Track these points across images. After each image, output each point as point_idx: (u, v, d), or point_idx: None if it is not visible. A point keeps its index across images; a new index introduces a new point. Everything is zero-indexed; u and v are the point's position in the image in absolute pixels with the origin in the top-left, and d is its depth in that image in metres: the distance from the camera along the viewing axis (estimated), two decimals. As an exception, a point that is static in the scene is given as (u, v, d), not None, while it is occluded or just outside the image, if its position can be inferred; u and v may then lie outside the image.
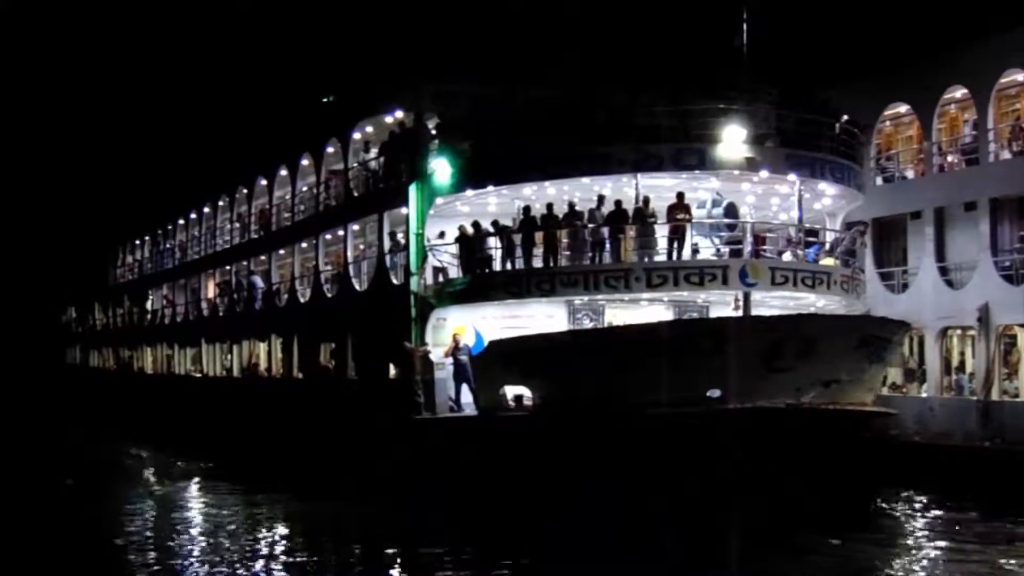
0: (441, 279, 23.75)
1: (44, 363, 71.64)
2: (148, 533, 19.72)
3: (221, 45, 56.14)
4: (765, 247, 22.68)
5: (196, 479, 27.31)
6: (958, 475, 21.85)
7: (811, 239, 23.56)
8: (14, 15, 69.44)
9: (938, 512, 20.69)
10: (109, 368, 56.44)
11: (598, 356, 19.82)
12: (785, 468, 18.38)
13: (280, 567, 16.71)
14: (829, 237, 24.22)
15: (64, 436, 38.81)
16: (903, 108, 26.98)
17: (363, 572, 16.70)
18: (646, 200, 21.56)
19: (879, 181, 27.33)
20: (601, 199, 22.34)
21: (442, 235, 23.97)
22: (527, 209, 22.93)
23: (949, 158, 26.10)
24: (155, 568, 16.39)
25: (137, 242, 53.48)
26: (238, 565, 16.59)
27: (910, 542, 18.62)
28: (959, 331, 25.22)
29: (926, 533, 19.19)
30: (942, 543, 18.14)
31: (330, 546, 18.67)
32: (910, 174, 27.10)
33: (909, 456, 23.07)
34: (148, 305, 49.75)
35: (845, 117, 23.94)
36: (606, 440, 19.02)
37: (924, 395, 25.26)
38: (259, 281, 34.93)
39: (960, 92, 25.53)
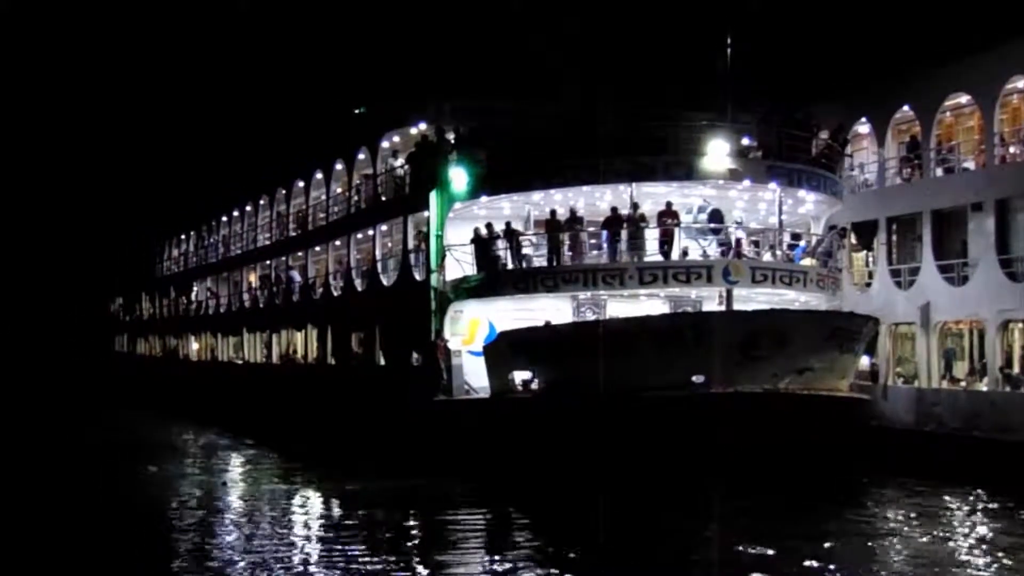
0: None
1: (94, 350, 74.42)
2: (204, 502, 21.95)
3: (265, 61, 59.14)
4: (746, 248, 24.90)
5: (241, 457, 29.72)
6: (1015, 471, 21.27)
7: (795, 241, 25.88)
8: (73, 14, 72.63)
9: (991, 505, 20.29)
10: (156, 355, 58.91)
11: (596, 345, 21.83)
12: (764, 446, 20.64)
13: (318, 533, 18.76)
14: (814, 239, 26.42)
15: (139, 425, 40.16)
16: (964, 99, 26.01)
17: (391, 538, 18.10)
18: (635, 206, 23.94)
19: (939, 172, 26.47)
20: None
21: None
22: (553, 213, 24.95)
23: (1011, 149, 25.05)
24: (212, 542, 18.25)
25: (183, 237, 55.67)
26: (283, 535, 18.39)
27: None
28: (1021, 324, 24.44)
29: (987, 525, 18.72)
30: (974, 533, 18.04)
31: (358, 512, 20.33)
32: (971, 165, 26.01)
33: (964, 451, 22.78)
34: (193, 296, 52.21)
35: (825, 133, 26.16)
36: (602, 420, 21.18)
37: (985, 389, 24.30)
38: (297, 275, 37.28)
39: (1022, 82, 24.58)
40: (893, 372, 26.56)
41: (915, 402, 25.33)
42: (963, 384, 25.34)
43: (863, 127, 28.58)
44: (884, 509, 20.15)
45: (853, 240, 28.37)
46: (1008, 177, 24.37)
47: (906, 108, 27.27)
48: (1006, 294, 23.75)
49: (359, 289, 32.07)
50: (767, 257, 25.07)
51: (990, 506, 20.07)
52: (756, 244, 26.01)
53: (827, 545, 16.50)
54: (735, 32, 25.45)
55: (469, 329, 25.78)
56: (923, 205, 26.08)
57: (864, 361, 26.92)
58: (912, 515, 19.50)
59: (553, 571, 15.13)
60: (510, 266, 25.01)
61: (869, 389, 25.97)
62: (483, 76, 28.91)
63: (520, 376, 23.71)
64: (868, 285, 27.70)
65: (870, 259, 28.01)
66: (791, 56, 33.85)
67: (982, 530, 18.04)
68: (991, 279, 24.21)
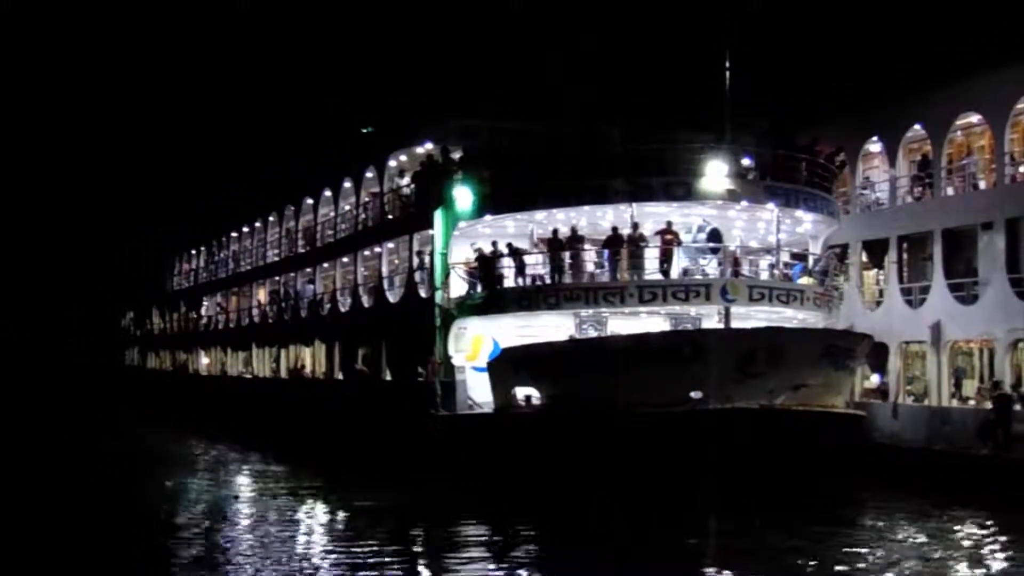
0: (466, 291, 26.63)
1: (105, 364, 75.05)
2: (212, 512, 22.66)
3: (276, 81, 60.14)
4: (745, 266, 25.34)
5: (250, 470, 30.23)
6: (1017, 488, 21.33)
7: (793, 261, 26.29)
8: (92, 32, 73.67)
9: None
10: (166, 369, 59.37)
11: (595, 362, 22.52)
12: (760, 462, 20.96)
13: (325, 544, 19.33)
14: (811, 259, 26.80)
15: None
16: (975, 118, 26.18)
17: (396, 550, 18.39)
18: (635, 225, 24.39)
19: (949, 191, 26.53)
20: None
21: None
22: (555, 232, 25.38)
23: (1021, 168, 25.20)
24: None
25: (193, 252, 56.23)
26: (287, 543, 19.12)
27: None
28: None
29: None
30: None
31: (364, 524, 20.89)
32: (982, 184, 26.11)
33: (971, 470, 22.84)
34: (203, 311, 52.74)
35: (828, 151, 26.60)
36: (603, 435, 21.55)
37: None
38: (310, 289, 37.53)
39: (1033, 102, 24.49)
40: (903, 390, 26.69)
41: (925, 420, 25.49)
42: (973, 403, 25.38)
43: (875, 146, 28.79)
44: (883, 528, 20.24)
45: (864, 258, 28.63)
46: (1018, 196, 24.46)
47: (917, 127, 27.46)
48: (1016, 313, 23.80)
49: (366, 305, 32.51)
50: (765, 276, 25.47)
51: (992, 526, 20.00)
52: (741, 263, 26.01)
53: (814, 563, 16.79)
54: (746, 52, 25.98)
55: (473, 345, 26.20)
56: (934, 224, 26.25)
57: (874, 379, 27.37)
58: (907, 533, 19.73)
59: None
60: (513, 284, 25.46)
61: (878, 407, 26.31)
62: (487, 97, 29.38)
63: (523, 392, 24.12)
64: (879, 304, 27.88)
65: (880, 278, 28.16)
66: (802, 75, 34.21)
67: (980, 551, 18.11)
68: (1001, 298, 24.28)
